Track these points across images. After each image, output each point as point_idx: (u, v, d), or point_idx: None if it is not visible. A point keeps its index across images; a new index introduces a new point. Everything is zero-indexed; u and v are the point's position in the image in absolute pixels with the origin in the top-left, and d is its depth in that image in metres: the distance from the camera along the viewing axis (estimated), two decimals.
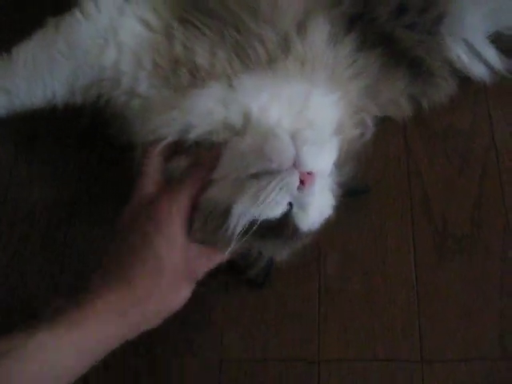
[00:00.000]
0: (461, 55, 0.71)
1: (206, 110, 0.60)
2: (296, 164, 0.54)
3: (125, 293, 0.55)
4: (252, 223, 0.56)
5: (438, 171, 0.73)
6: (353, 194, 0.66)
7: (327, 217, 0.60)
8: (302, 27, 0.64)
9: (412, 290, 0.68)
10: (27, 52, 0.68)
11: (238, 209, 0.56)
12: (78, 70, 0.66)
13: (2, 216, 0.75)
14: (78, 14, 0.66)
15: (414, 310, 0.67)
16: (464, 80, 0.75)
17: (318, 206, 0.58)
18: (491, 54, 0.73)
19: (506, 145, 0.74)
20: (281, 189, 0.55)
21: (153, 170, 0.62)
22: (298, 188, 0.55)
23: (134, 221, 0.59)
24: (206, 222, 0.58)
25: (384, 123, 0.74)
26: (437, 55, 0.70)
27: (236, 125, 0.59)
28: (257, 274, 0.66)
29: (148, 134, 0.62)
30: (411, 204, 0.72)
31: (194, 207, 0.58)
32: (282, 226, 0.58)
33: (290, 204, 0.56)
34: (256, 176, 0.56)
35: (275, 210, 0.56)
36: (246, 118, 0.59)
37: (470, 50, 0.72)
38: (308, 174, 0.55)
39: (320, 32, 0.64)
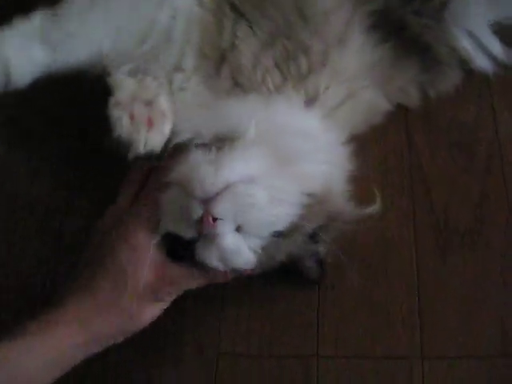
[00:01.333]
0: (466, 46, 0.70)
1: (233, 120, 0.59)
2: (206, 204, 0.54)
3: (87, 302, 0.56)
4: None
5: (441, 165, 0.72)
6: (295, 275, 0.64)
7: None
8: (343, 38, 0.63)
9: (412, 286, 0.67)
10: (79, 5, 0.63)
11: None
12: (131, 21, 0.63)
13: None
14: None
15: (414, 307, 0.66)
16: (468, 73, 0.73)
17: (220, 254, 0.56)
18: (495, 46, 0.72)
19: (510, 139, 0.72)
20: (181, 208, 0.56)
21: (135, 180, 0.63)
22: (197, 222, 0.55)
23: (106, 230, 0.60)
24: None
25: (387, 116, 0.73)
26: (443, 42, 0.69)
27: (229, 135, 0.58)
28: (307, 271, 0.65)
29: None
30: (413, 198, 0.70)
31: None
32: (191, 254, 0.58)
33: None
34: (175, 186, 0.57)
35: (176, 228, 0.57)
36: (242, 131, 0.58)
37: (474, 41, 0.71)
38: (213, 218, 0.54)
39: (357, 40, 0.64)
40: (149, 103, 0.61)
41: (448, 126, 0.73)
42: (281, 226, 0.57)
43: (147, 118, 0.60)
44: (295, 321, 0.66)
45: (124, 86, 0.62)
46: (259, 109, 0.60)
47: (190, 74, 0.63)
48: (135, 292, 0.57)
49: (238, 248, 0.56)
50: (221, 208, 0.54)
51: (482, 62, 0.72)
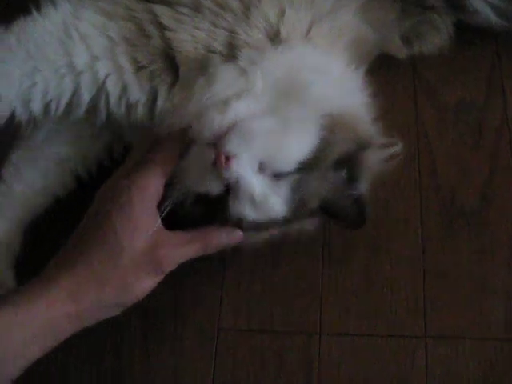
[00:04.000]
0: None
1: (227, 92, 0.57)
2: (216, 142, 0.54)
3: (80, 273, 0.53)
4: (185, 195, 0.56)
5: (449, 144, 0.71)
6: (334, 219, 0.62)
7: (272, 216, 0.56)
8: None
9: (418, 265, 0.66)
10: None
11: (177, 177, 0.56)
12: (42, 78, 0.58)
13: None
14: (34, 13, 0.60)
15: (419, 285, 0.65)
16: (477, 53, 0.73)
17: (252, 199, 0.55)
18: None
19: None
20: (197, 159, 0.55)
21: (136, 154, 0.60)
22: (213, 164, 0.53)
23: (104, 199, 0.57)
24: None
25: (395, 94, 0.72)
26: None
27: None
28: (346, 215, 0.61)
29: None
30: (419, 177, 0.70)
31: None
32: (217, 210, 0.56)
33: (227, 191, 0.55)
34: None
35: (202, 186, 0.55)
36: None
37: None
38: (226, 156, 0.53)
39: None
40: None
41: (457, 106, 0.73)
42: (303, 153, 0.55)
43: None
44: (298, 297, 0.65)
45: None
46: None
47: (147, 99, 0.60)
48: (131, 263, 0.54)
49: (265, 191, 0.54)
50: (230, 143, 0.53)
51: (477, 4, 0.69)
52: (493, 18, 0.70)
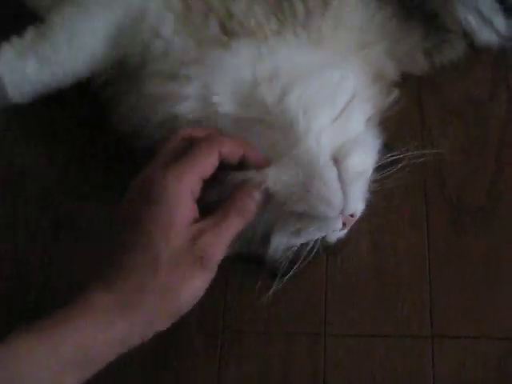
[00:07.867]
0: (469, 19, 0.68)
1: (232, 71, 0.57)
2: (342, 210, 0.54)
3: (114, 290, 0.47)
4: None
5: (453, 140, 0.70)
6: None
7: None
8: None
9: (424, 264, 0.65)
10: (62, 13, 0.62)
11: (276, 239, 0.57)
12: (114, 18, 0.62)
13: None
14: None
15: (426, 284, 0.64)
16: (471, 46, 0.72)
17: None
18: (499, 21, 0.69)
19: None
20: (322, 231, 0.57)
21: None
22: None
23: (134, 194, 0.51)
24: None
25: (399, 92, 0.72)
26: (449, 10, 0.67)
27: (269, 103, 0.55)
28: (278, 266, 0.61)
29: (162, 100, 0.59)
30: (425, 175, 0.69)
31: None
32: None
33: None
34: (300, 214, 0.55)
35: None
36: (281, 94, 0.55)
37: (477, 15, 0.69)
38: (350, 215, 0.56)
39: None
40: None
41: (461, 103, 0.72)
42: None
43: None
44: (302, 297, 0.65)
45: None
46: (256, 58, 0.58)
47: (171, 38, 0.60)
48: (171, 263, 0.47)
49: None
50: (355, 201, 0.56)
51: (485, 35, 0.70)
52: (501, 42, 0.71)
